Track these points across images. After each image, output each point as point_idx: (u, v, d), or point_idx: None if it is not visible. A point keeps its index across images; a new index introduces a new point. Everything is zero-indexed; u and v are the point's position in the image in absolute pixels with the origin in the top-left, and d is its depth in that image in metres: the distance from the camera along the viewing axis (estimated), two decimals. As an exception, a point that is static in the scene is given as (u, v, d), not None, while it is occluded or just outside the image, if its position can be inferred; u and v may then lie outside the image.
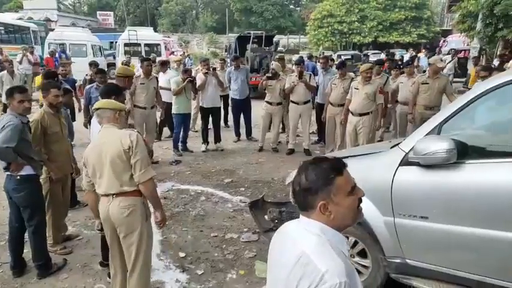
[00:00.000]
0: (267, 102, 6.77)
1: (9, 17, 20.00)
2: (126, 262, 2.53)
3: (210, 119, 7.01)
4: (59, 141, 3.45)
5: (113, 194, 2.36)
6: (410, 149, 2.46)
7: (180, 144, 6.76)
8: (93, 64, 7.63)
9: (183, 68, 7.07)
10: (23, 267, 3.25)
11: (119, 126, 2.47)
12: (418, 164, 2.42)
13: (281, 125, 7.21)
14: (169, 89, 6.59)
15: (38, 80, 6.54)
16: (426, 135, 2.46)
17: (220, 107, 7.15)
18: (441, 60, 6.66)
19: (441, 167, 2.32)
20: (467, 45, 16.71)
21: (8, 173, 3.02)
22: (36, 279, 3.16)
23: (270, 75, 6.59)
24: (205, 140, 6.99)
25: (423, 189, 2.43)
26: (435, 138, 2.37)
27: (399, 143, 2.70)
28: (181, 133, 6.71)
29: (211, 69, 6.80)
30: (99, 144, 2.40)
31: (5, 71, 8.42)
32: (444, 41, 23.37)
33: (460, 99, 2.51)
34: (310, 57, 13.16)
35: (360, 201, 1.23)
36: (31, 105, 3.11)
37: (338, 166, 1.20)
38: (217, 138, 7.09)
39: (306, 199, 1.20)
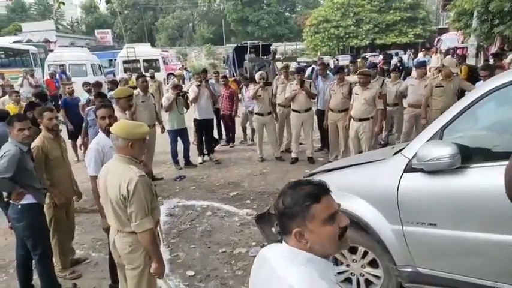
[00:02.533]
0: (258, 114, 6.77)
1: (6, 40, 20.19)
2: None
3: None
4: (60, 165, 3.44)
5: (117, 229, 2.34)
6: (414, 156, 2.44)
7: (183, 159, 6.78)
8: (96, 85, 7.54)
9: (174, 84, 6.99)
10: (33, 295, 3.22)
11: (130, 160, 2.26)
12: (422, 171, 2.39)
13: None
14: None
15: (11, 108, 6.44)
16: (428, 140, 2.44)
17: (213, 119, 7.19)
18: (456, 66, 6.21)
19: (446, 172, 2.29)
20: (462, 42, 16.69)
21: (11, 201, 3.00)
22: (46, 306, 3.14)
23: (264, 81, 6.58)
24: (202, 152, 7.05)
25: (429, 195, 2.40)
26: (437, 143, 2.35)
27: (402, 149, 2.68)
28: (183, 148, 6.72)
29: (203, 82, 6.82)
30: (105, 177, 2.30)
31: (7, 96, 8.46)
32: (439, 40, 23.27)
33: (461, 102, 2.49)
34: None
35: (344, 229, 1.16)
36: (32, 132, 3.06)
37: (316, 192, 1.14)
38: (211, 150, 7.15)
39: (283, 224, 1.18)
